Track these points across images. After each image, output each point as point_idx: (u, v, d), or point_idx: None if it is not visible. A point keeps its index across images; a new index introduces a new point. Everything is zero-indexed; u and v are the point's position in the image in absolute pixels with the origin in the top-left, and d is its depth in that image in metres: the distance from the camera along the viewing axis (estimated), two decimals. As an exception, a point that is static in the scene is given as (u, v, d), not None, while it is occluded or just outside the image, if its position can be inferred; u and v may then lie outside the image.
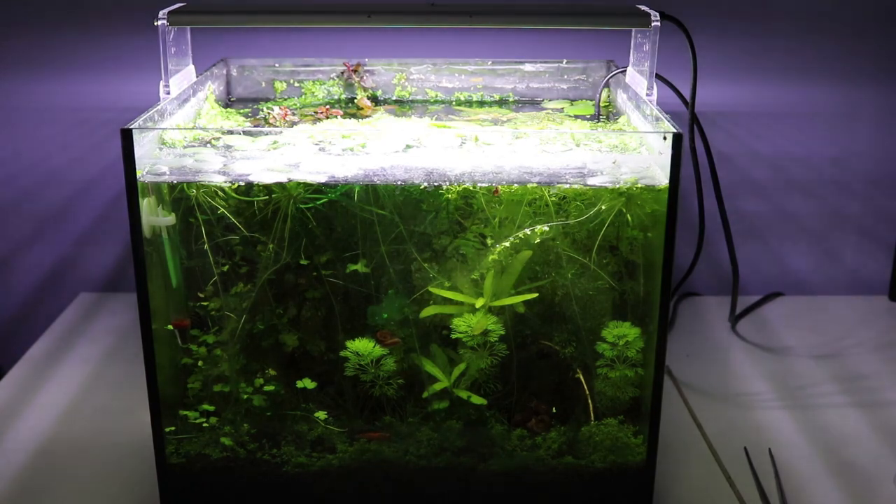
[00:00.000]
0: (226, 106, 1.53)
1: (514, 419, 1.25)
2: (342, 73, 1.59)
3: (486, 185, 1.16)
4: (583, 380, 1.25)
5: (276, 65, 1.60)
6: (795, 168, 1.93)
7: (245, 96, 1.61)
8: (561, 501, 1.26)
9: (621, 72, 1.47)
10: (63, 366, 1.65)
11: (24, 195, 1.91)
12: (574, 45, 1.80)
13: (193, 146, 1.22)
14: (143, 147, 1.13)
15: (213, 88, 1.47)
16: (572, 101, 1.60)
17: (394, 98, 1.61)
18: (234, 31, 1.77)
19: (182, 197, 1.18)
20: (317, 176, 1.15)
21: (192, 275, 1.22)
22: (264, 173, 1.16)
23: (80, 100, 1.84)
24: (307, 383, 1.23)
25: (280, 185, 1.16)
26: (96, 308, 1.89)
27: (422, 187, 1.17)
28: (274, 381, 1.24)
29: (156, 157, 1.18)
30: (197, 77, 1.39)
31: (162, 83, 1.25)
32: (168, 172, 1.16)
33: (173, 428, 1.23)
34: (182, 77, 1.32)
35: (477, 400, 1.23)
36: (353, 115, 1.47)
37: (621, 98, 1.46)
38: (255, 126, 1.40)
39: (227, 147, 1.22)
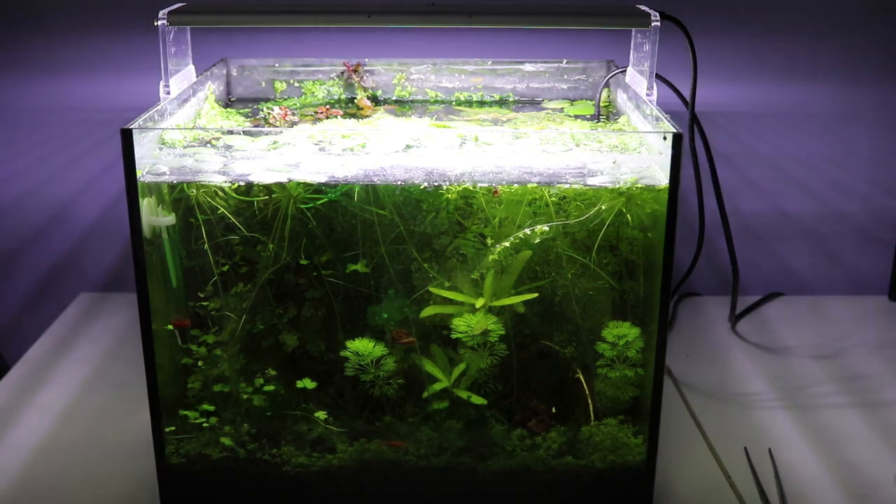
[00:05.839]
0: (226, 106, 1.53)
1: (514, 419, 1.25)
2: (342, 73, 1.59)
3: (486, 185, 1.16)
4: (583, 380, 1.25)
5: (276, 65, 1.60)
6: (795, 168, 1.93)
7: (245, 96, 1.61)
8: (561, 501, 1.26)
9: (621, 72, 1.47)
10: (63, 366, 1.65)
11: (24, 195, 1.91)
12: (574, 45, 1.80)
13: (193, 146, 1.22)
14: (143, 147, 1.13)
15: (213, 88, 1.47)
16: (572, 101, 1.60)
17: (394, 98, 1.61)
18: (234, 31, 1.77)
19: (182, 197, 1.18)
20: (317, 176, 1.15)
21: (192, 275, 1.22)
22: (264, 173, 1.16)
23: (80, 100, 1.84)
24: (307, 383, 1.23)
25: (280, 185, 1.16)
26: (96, 308, 1.89)
27: (422, 187, 1.17)
28: (274, 381, 1.24)
29: (156, 158, 1.18)
30: (197, 77, 1.39)
31: (162, 83, 1.25)
32: (168, 172, 1.16)
33: (173, 428, 1.23)
34: (182, 77, 1.32)
35: (477, 400, 1.23)
36: (353, 115, 1.47)
37: (621, 98, 1.46)
38: (255, 126, 1.40)
39: (227, 147, 1.22)
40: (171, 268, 1.21)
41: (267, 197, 1.18)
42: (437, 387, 1.23)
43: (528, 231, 1.18)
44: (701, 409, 1.51)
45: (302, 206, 1.18)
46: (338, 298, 1.23)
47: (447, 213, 1.19)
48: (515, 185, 1.16)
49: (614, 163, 1.18)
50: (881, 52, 1.85)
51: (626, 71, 1.43)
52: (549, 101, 1.61)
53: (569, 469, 1.24)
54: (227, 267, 1.22)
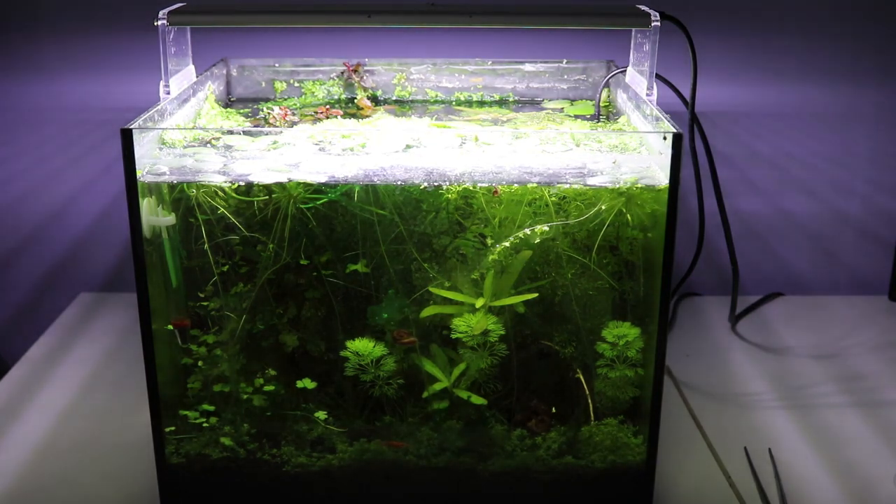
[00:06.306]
0: (226, 106, 1.53)
1: (514, 419, 1.25)
2: (342, 73, 1.59)
3: (486, 185, 1.16)
4: (583, 380, 1.25)
5: (276, 65, 1.60)
6: (795, 168, 1.93)
7: (245, 96, 1.61)
8: (561, 501, 1.26)
9: (621, 72, 1.47)
10: (63, 366, 1.65)
11: (24, 195, 1.91)
12: (574, 45, 1.80)
13: (193, 146, 1.22)
14: (143, 147, 1.13)
15: (213, 88, 1.47)
16: (572, 101, 1.60)
17: (394, 98, 1.61)
18: (234, 31, 1.77)
19: (182, 197, 1.18)
20: (317, 176, 1.15)
21: (192, 275, 1.22)
22: (264, 173, 1.16)
23: (80, 100, 1.84)
24: (307, 383, 1.23)
25: (280, 185, 1.16)
26: (96, 308, 1.89)
27: (422, 187, 1.17)
28: (274, 381, 1.24)
29: (156, 157, 1.18)
30: (197, 77, 1.39)
31: (162, 83, 1.25)
32: (168, 172, 1.16)
33: (173, 428, 1.23)
34: (182, 77, 1.32)
35: (477, 400, 1.23)
36: (353, 115, 1.47)
37: (621, 98, 1.46)
38: (255, 126, 1.40)
39: (227, 147, 1.22)
40: (171, 268, 1.21)
41: (267, 197, 1.18)
42: (437, 387, 1.23)
43: (528, 231, 1.18)
44: (701, 409, 1.51)
45: (302, 206, 1.18)
46: (338, 298, 1.23)
47: (447, 213, 1.19)
48: (515, 185, 1.16)
49: (614, 163, 1.18)
50: (881, 52, 1.85)
51: (626, 71, 1.43)
52: (549, 101, 1.61)
53: (569, 469, 1.24)
54: (227, 267, 1.22)
